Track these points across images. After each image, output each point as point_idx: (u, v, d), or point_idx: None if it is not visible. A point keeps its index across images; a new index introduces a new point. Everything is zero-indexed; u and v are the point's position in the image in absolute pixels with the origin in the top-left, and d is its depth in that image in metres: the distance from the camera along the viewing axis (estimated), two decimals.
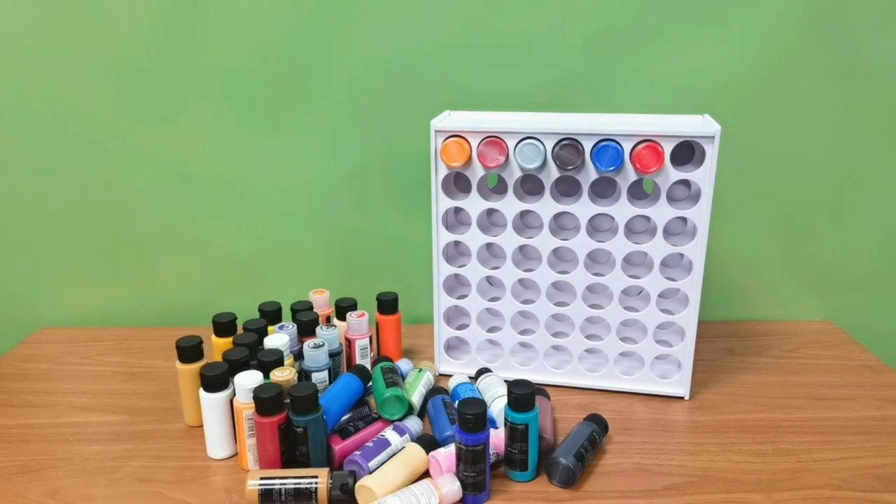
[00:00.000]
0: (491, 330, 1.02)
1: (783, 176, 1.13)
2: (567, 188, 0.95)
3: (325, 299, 1.03)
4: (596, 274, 0.94)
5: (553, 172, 0.89)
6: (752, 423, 0.89)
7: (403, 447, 0.80)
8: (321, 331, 0.92)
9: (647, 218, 0.93)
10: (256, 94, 1.10)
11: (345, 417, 0.85)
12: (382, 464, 0.77)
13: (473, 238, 0.95)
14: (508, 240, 0.94)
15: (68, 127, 1.11)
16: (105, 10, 1.05)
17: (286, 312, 1.00)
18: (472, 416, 0.72)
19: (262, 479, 0.73)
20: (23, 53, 1.07)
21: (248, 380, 0.78)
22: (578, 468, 0.77)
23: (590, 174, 0.89)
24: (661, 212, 0.89)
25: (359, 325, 0.97)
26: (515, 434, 0.77)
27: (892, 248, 1.17)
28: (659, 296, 0.93)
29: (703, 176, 0.86)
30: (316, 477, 0.73)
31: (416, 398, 0.89)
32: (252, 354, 0.86)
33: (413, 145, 1.08)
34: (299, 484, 0.73)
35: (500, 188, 0.97)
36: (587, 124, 0.88)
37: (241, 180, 1.14)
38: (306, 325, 0.93)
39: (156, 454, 0.84)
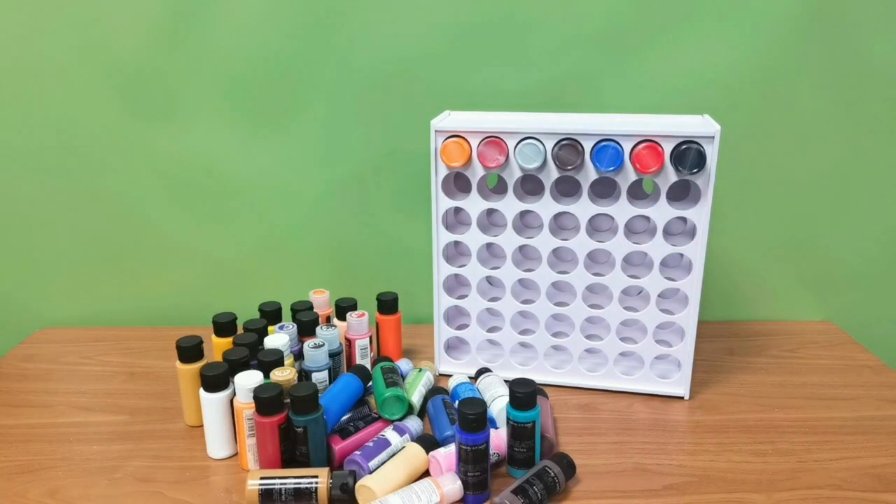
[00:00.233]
0: (491, 330, 1.02)
1: (783, 176, 1.13)
2: (567, 188, 0.95)
3: (325, 299, 1.03)
4: (596, 274, 0.94)
5: (553, 172, 0.89)
6: (751, 423, 0.89)
7: (404, 447, 0.80)
8: (321, 331, 0.92)
9: (647, 218, 0.93)
10: (258, 95, 1.10)
11: (345, 417, 0.85)
12: (383, 463, 0.77)
13: (473, 238, 0.95)
14: (508, 240, 0.94)
15: (68, 128, 1.11)
16: (103, 14, 1.05)
17: (286, 312, 1.00)
18: (473, 415, 0.72)
19: (262, 478, 0.73)
20: (22, 54, 1.07)
21: (248, 380, 0.78)
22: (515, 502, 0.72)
23: (590, 174, 0.89)
24: (661, 212, 0.89)
25: (359, 325, 0.97)
26: (521, 433, 0.77)
27: (892, 248, 1.17)
28: (659, 296, 0.93)
29: (704, 176, 0.86)
30: (316, 477, 0.73)
31: (416, 398, 0.89)
32: (252, 354, 0.86)
33: (413, 145, 1.08)
34: (299, 484, 0.73)
35: (500, 188, 0.97)
36: (587, 124, 0.88)
37: (241, 180, 1.14)
38: (306, 325, 0.94)
39: (156, 454, 0.84)
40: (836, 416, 0.91)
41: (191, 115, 1.11)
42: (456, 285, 1.04)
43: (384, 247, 1.18)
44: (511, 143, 0.88)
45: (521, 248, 0.97)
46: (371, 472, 0.76)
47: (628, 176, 0.88)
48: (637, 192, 0.93)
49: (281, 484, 0.73)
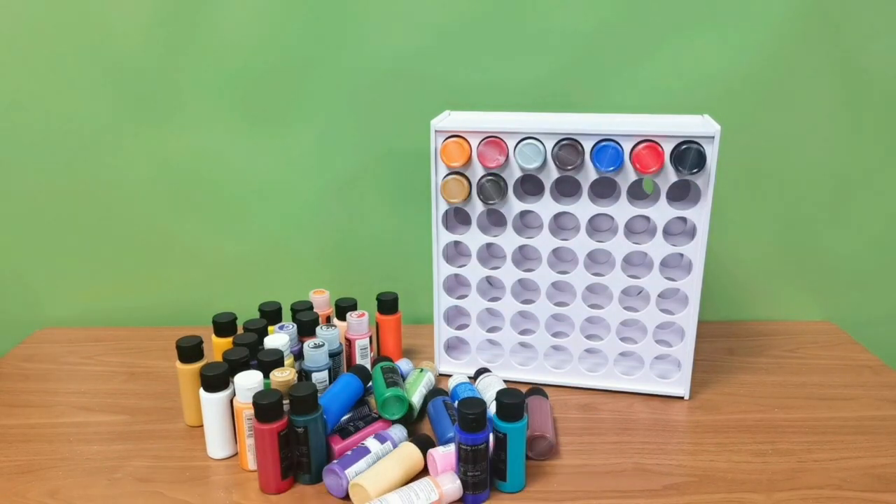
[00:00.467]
0: (491, 330, 1.02)
1: (783, 176, 1.13)
2: (567, 188, 0.95)
3: (325, 299, 1.03)
4: (596, 274, 0.94)
5: (553, 172, 0.89)
6: (751, 423, 0.89)
7: (387, 453, 0.79)
8: (321, 331, 0.92)
9: (647, 218, 0.93)
10: (259, 95, 1.10)
11: (345, 417, 0.85)
12: (361, 472, 0.76)
13: (473, 238, 0.95)
14: (508, 240, 0.94)
15: (66, 128, 1.10)
16: (103, 14, 1.05)
17: (286, 312, 1.00)
18: (473, 415, 0.72)
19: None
20: (21, 54, 1.07)
21: (248, 380, 0.78)
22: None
23: (590, 174, 0.89)
24: (661, 212, 0.89)
25: (359, 325, 0.97)
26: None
27: (893, 248, 1.17)
28: (659, 296, 0.93)
29: (703, 176, 0.86)
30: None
31: (416, 399, 0.89)
32: (252, 354, 0.86)
33: (413, 145, 1.08)
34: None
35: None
36: (587, 124, 0.88)
37: (240, 180, 1.14)
38: (306, 325, 0.93)
39: (156, 454, 0.84)
40: (836, 416, 0.91)
41: (191, 115, 1.11)
42: (456, 285, 1.04)
43: (384, 247, 1.18)
44: (511, 143, 0.88)
45: (521, 248, 0.97)
46: (349, 481, 0.75)
47: (628, 176, 0.88)
48: (637, 192, 0.93)
49: None
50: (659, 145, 0.85)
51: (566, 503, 0.76)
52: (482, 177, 0.90)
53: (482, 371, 0.97)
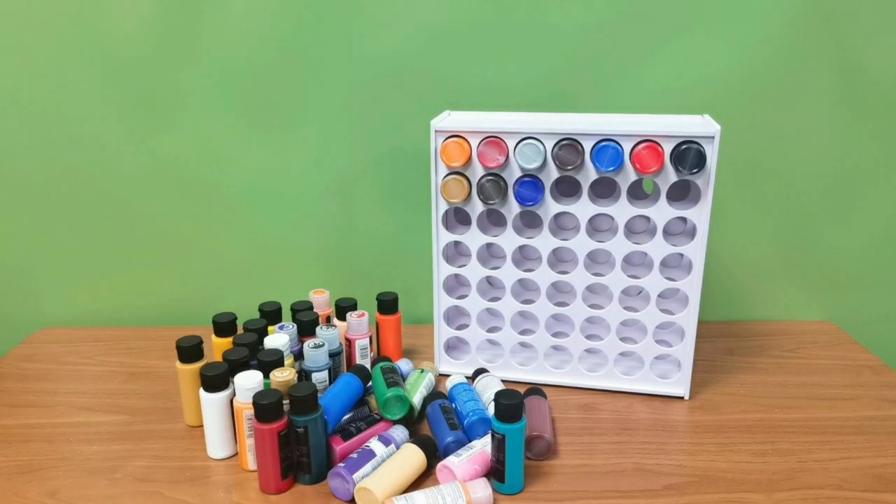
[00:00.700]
0: (491, 330, 1.02)
1: (783, 176, 1.13)
2: (567, 188, 0.95)
3: (325, 299, 1.03)
4: (596, 274, 0.94)
5: (553, 172, 0.89)
6: (751, 423, 0.89)
7: (392, 455, 0.79)
8: (321, 331, 0.92)
9: (647, 218, 0.93)
10: (259, 94, 1.10)
11: (346, 418, 0.85)
12: (367, 476, 0.76)
13: (473, 238, 0.95)
14: (508, 240, 0.94)
15: (66, 128, 1.11)
16: (104, 14, 1.05)
17: (286, 312, 1.00)
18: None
19: None
20: (21, 54, 1.07)
21: (248, 380, 0.78)
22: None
23: (590, 174, 0.89)
24: (661, 212, 0.89)
25: (359, 325, 0.97)
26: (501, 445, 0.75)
27: (893, 248, 1.17)
28: (659, 296, 0.93)
29: (703, 176, 0.86)
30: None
31: (417, 400, 0.89)
32: (252, 354, 0.86)
33: (413, 145, 1.08)
34: None
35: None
36: (587, 124, 0.88)
37: (240, 180, 1.14)
38: (306, 325, 0.93)
39: (156, 454, 0.84)
40: (836, 416, 0.91)
41: (190, 115, 1.11)
42: (456, 285, 1.04)
43: (384, 247, 1.18)
44: (511, 143, 0.88)
45: (521, 248, 0.96)
46: (356, 485, 0.75)
47: (628, 176, 0.88)
48: (637, 192, 0.93)
49: None
50: (659, 145, 0.85)
51: (566, 503, 0.76)
52: (482, 177, 0.90)
53: (480, 371, 0.97)
